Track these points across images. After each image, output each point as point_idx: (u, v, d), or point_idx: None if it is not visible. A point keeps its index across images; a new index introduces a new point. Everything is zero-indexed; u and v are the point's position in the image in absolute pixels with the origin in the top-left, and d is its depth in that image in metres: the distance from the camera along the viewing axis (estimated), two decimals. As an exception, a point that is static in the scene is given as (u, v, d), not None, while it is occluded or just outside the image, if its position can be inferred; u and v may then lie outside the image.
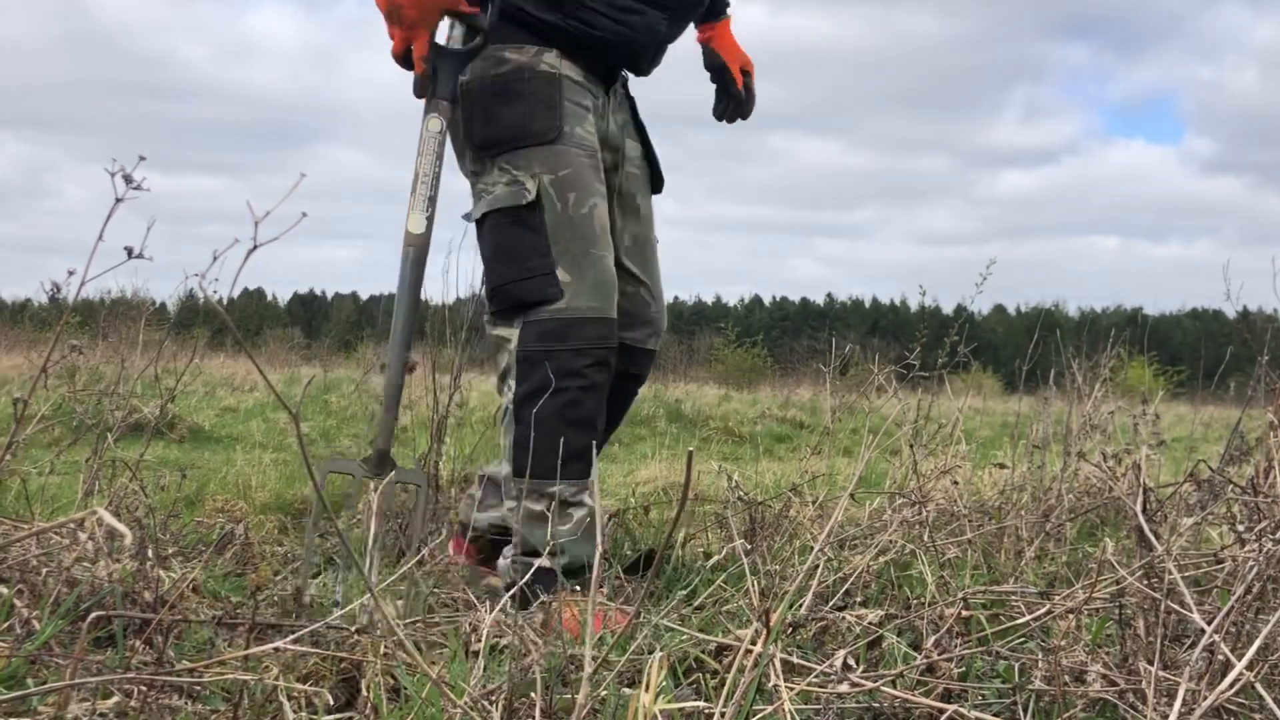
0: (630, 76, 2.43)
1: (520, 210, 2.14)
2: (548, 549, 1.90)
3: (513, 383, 2.16)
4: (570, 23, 2.21)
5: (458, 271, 3.57)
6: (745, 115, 2.58)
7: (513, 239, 2.15)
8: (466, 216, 2.29)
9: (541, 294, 2.12)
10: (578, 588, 2.12)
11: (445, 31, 2.22)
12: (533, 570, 2.01)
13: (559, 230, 2.13)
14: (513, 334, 2.17)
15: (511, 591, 2.09)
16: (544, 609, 1.87)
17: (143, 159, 1.48)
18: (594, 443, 2.08)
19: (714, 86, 2.58)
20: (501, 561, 2.29)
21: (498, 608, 1.68)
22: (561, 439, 2.07)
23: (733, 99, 2.55)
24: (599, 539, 1.25)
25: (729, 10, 2.57)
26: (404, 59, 2.14)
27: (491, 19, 2.16)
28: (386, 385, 2.12)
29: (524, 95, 2.17)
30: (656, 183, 2.46)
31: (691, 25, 2.49)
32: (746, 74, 2.55)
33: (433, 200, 2.11)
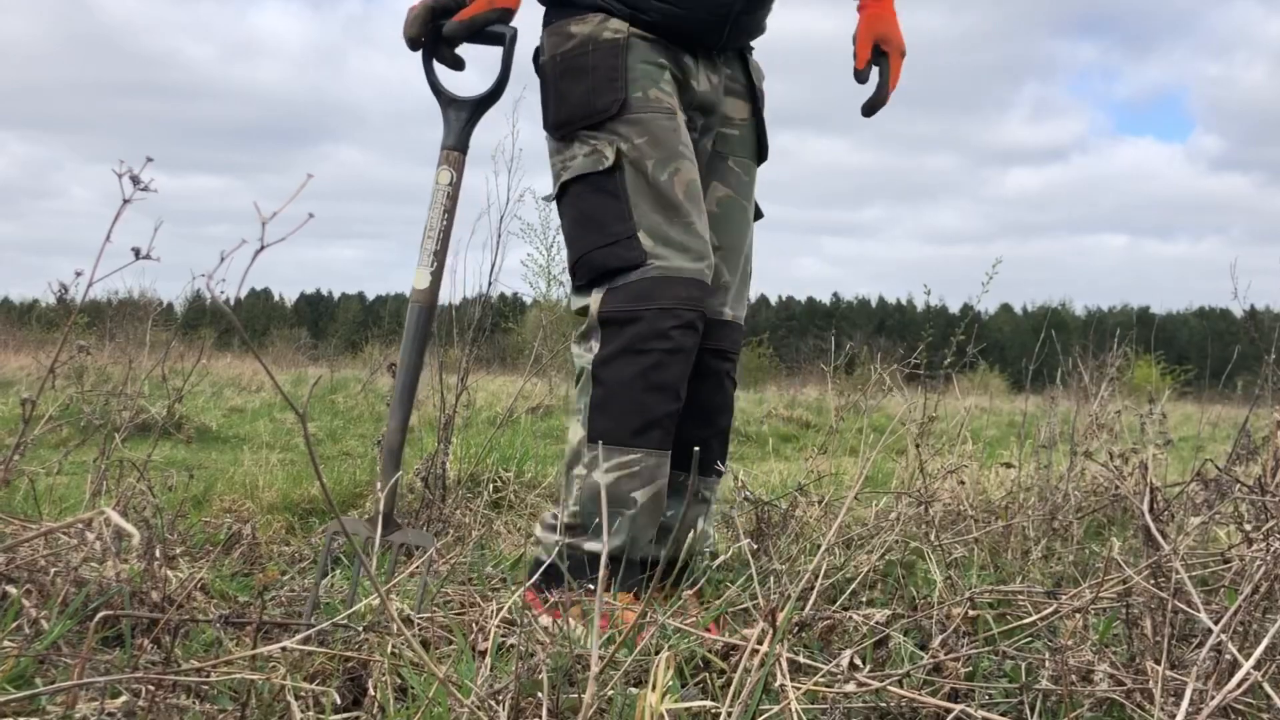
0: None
1: (599, 176, 2.05)
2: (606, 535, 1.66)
3: (595, 343, 2.06)
4: (617, 6, 2.11)
5: (464, 271, 3.57)
6: (876, 106, 2.30)
7: (593, 206, 2.06)
8: (547, 198, 2.20)
9: (625, 259, 2.02)
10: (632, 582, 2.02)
11: (449, 76, 2.17)
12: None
13: (639, 196, 2.03)
14: (596, 299, 2.07)
15: (538, 574, 1.93)
16: (577, 601, 1.78)
17: (150, 160, 1.48)
18: (675, 410, 2.00)
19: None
20: (539, 530, 2.16)
21: (501, 611, 1.68)
22: (642, 403, 1.99)
23: (865, 83, 2.28)
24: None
25: None
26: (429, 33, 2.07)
27: (506, 64, 2.09)
28: (386, 444, 2.02)
29: (587, 70, 2.08)
30: (762, 151, 2.32)
31: None
32: (883, 54, 2.26)
33: (438, 255, 2.05)
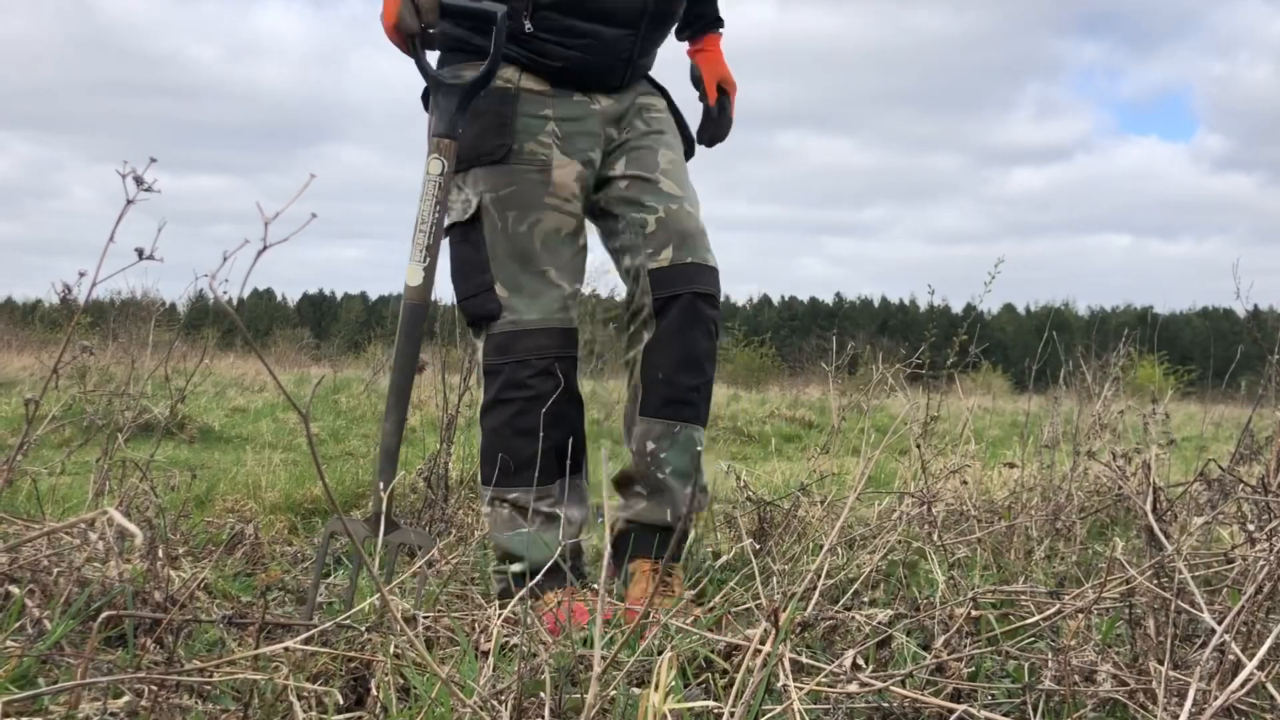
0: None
1: (465, 226, 2.22)
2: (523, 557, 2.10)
3: (482, 392, 2.27)
4: (521, 52, 2.22)
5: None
6: (719, 138, 2.53)
7: (462, 256, 2.23)
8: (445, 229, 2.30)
9: (484, 309, 2.20)
10: (562, 586, 2.13)
11: (440, 62, 2.20)
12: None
13: (496, 246, 2.20)
14: (480, 347, 2.27)
15: (496, 601, 2.07)
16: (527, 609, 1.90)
17: (153, 161, 1.48)
18: (550, 448, 2.16)
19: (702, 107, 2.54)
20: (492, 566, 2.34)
21: (505, 611, 1.68)
22: (512, 448, 2.18)
23: (707, 117, 2.52)
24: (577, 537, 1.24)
25: (720, 28, 2.56)
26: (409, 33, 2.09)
27: (498, 39, 2.11)
28: (383, 445, 2.04)
29: (479, 114, 2.19)
30: (688, 144, 2.46)
31: (681, 38, 2.54)
32: (724, 93, 2.52)
33: (431, 250, 2.06)
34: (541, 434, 2.16)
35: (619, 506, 2.35)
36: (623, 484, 2.34)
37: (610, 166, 2.33)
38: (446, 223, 2.21)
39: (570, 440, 2.21)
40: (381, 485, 1.98)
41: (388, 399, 2.09)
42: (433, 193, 2.06)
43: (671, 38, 2.48)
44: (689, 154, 2.47)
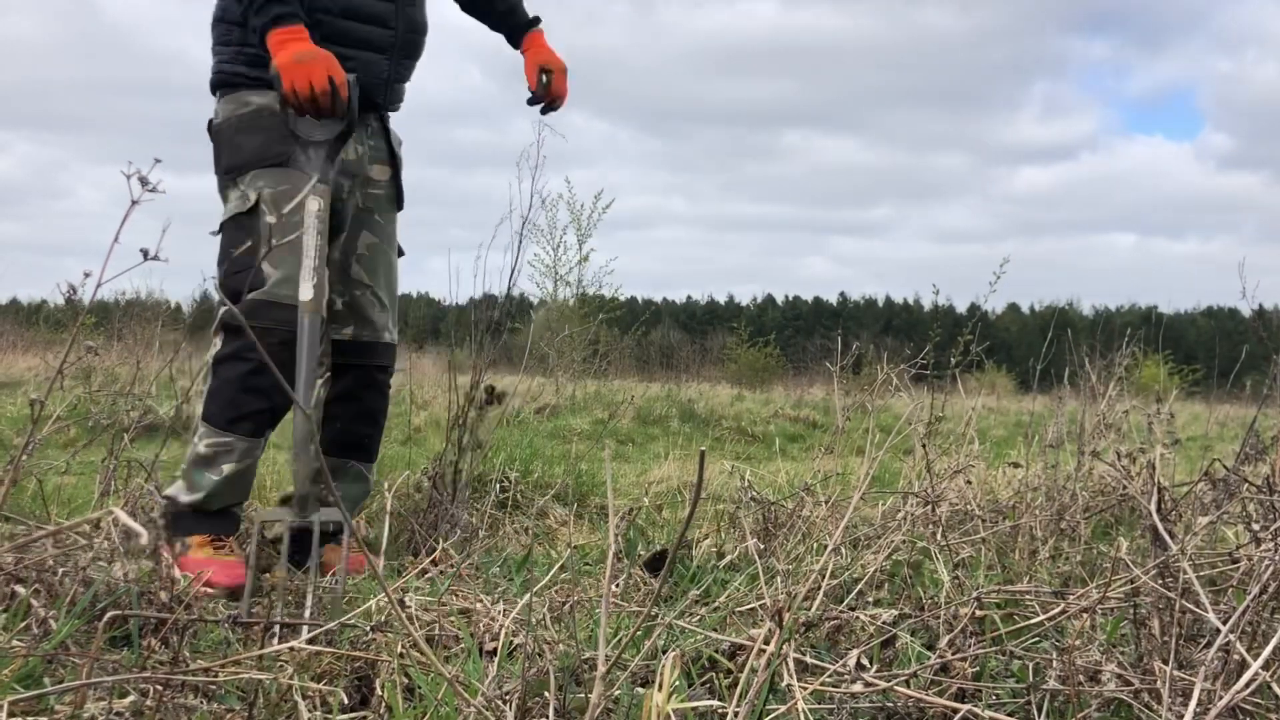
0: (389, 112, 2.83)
1: (243, 215, 2.57)
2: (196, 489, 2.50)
3: (218, 342, 2.58)
4: None
5: (484, 272, 3.62)
6: (546, 108, 2.97)
7: (235, 240, 2.56)
8: (213, 232, 2.64)
9: (249, 283, 2.51)
10: (218, 535, 2.52)
11: (312, 122, 2.47)
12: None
13: (270, 232, 2.52)
14: (231, 307, 2.45)
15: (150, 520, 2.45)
16: (169, 544, 2.23)
17: (158, 161, 1.48)
18: (266, 408, 2.53)
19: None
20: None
21: (514, 613, 1.68)
22: (239, 400, 2.52)
23: (534, 100, 2.95)
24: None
25: (537, 25, 2.99)
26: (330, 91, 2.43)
27: (352, 106, 2.46)
28: (296, 433, 2.29)
29: (261, 128, 2.59)
30: (399, 201, 2.87)
31: (514, 46, 2.98)
32: (548, 71, 2.93)
33: (318, 271, 2.37)
34: (269, 397, 2.53)
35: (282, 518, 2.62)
36: (286, 500, 2.74)
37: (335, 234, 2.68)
38: (224, 216, 2.59)
39: (284, 406, 2.59)
40: (295, 470, 2.28)
41: (295, 392, 2.30)
42: (315, 225, 2.38)
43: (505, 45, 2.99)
44: (399, 207, 2.87)
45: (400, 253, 2.90)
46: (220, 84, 2.67)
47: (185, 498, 2.53)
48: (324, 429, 2.74)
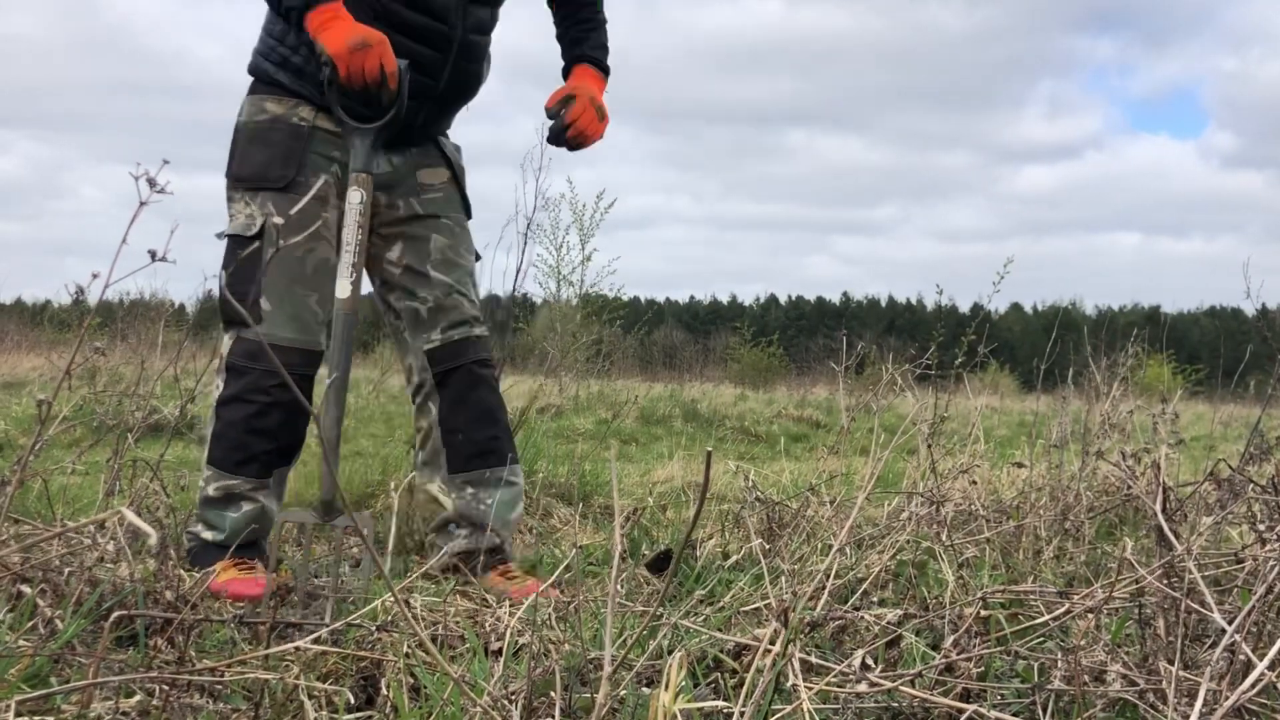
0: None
1: (246, 240, 2.49)
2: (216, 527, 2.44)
3: (220, 383, 2.53)
4: (316, 96, 2.49)
5: (492, 270, 3.64)
6: (571, 144, 2.67)
7: (237, 264, 2.47)
8: (219, 235, 2.57)
9: (243, 315, 2.46)
10: (244, 559, 2.45)
11: (358, 109, 2.39)
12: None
13: (272, 265, 2.47)
14: (226, 344, 2.54)
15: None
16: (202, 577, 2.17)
17: (166, 163, 1.49)
18: (272, 449, 2.47)
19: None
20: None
21: (511, 616, 1.68)
22: (245, 442, 2.47)
23: (553, 125, 2.66)
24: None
25: (598, 64, 2.74)
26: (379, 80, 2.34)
27: (401, 94, 2.37)
28: (325, 438, 2.21)
29: (270, 144, 2.50)
30: (467, 209, 2.76)
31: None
32: (571, 97, 2.64)
33: (356, 267, 2.32)
34: (275, 438, 2.48)
35: (443, 546, 2.61)
36: (440, 528, 2.64)
37: (388, 246, 2.63)
38: (228, 232, 2.52)
39: (291, 446, 2.54)
40: (323, 474, 2.21)
41: (325, 395, 2.28)
42: (355, 219, 2.33)
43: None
44: (468, 215, 2.76)
45: (477, 256, 2.79)
46: (250, 72, 2.59)
47: (208, 535, 2.49)
48: (447, 448, 2.61)
